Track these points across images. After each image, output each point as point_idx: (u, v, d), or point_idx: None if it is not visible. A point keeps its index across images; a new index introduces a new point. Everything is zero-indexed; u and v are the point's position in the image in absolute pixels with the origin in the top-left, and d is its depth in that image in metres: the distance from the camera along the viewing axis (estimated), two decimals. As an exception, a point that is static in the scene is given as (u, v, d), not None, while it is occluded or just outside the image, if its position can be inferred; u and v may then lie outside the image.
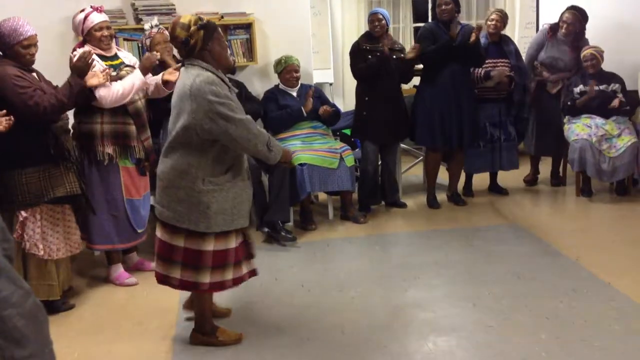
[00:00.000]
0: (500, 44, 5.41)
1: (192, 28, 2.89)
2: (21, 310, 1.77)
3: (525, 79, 5.50)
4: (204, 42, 2.91)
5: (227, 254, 3.02)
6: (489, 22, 5.39)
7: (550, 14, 5.67)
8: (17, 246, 3.36)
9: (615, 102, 5.35)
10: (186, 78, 2.89)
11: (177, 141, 2.91)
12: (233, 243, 3.03)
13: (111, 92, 3.69)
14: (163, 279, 3.09)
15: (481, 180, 5.77)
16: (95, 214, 3.84)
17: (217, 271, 3.00)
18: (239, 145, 2.90)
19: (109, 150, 3.81)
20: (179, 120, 2.88)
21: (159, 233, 3.04)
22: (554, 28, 5.67)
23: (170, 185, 2.94)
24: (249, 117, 2.93)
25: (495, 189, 5.73)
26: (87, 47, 3.81)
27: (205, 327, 3.19)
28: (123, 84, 3.75)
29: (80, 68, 3.53)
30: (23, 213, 3.44)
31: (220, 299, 3.52)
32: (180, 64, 4.10)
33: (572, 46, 5.60)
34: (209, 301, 3.20)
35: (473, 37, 4.96)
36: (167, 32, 4.35)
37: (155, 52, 4.13)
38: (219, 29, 3.04)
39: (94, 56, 3.77)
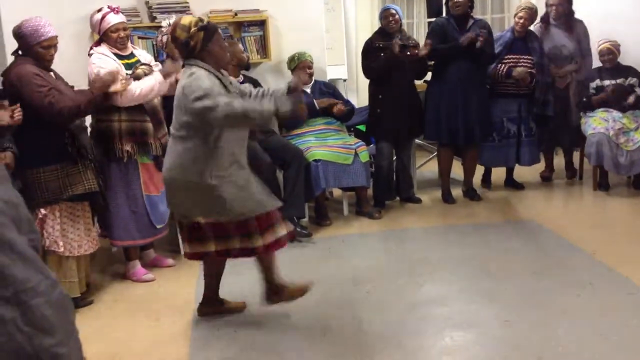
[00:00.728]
0: (525, 40, 5.35)
1: (192, 29, 2.97)
2: (49, 299, 1.80)
3: (548, 76, 5.44)
4: (203, 43, 2.99)
5: (271, 215, 3.16)
6: (517, 19, 5.31)
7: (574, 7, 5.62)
8: None
9: (631, 99, 5.30)
10: (183, 78, 3.02)
11: (179, 139, 3.02)
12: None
13: (128, 92, 3.72)
14: (223, 253, 3.22)
15: (497, 174, 5.74)
16: (109, 211, 3.89)
17: (268, 232, 3.14)
18: (223, 122, 2.92)
19: (128, 147, 3.85)
20: (178, 118, 3.00)
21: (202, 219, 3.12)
22: (544, 19, 5.64)
23: (178, 185, 3.06)
24: (226, 99, 2.91)
25: (511, 183, 5.70)
26: (103, 47, 3.84)
27: (214, 300, 3.43)
28: (142, 85, 3.78)
29: (106, 83, 3.58)
30: (42, 210, 3.49)
31: (235, 293, 3.55)
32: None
33: (568, 29, 5.55)
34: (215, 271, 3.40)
35: (479, 44, 4.92)
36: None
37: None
38: (219, 31, 3.12)
39: (109, 53, 3.81)
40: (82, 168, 3.56)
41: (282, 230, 3.21)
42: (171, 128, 3.11)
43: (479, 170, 5.64)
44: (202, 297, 3.48)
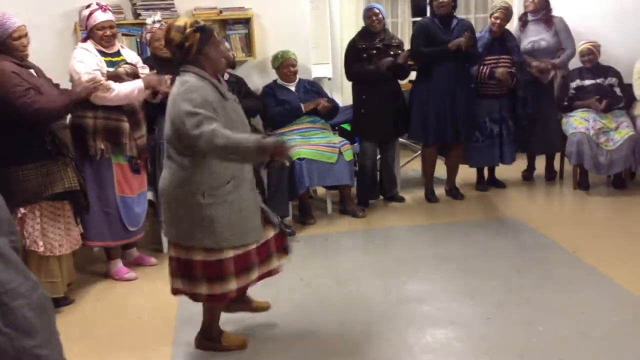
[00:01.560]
0: (503, 40, 5.39)
1: (188, 30, 2.72)
2: (30, 302, 1.80)
3: (527, 74, 5.48)
4: (199, 46, 2.75)
5: (249, 256, 2.90)
6: (492, 20, 5.35)
7: (552, 5, 5.67)
8: None
9: (602, 105, 5.36)
10: (175, 86, 2.78)
11: (171, 153, 2.79)
12: (253, 245, 2.91)
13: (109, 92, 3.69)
14: (188, 295, 2.96)
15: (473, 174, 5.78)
16: (89, 210, 3.81)
17: (242, 275, 2.89)
18: (207, 154, 2.68)
19: (101, 145, 3.80)
20: (168, 130, 2.78)
21: (172, 252, 2.92)
22: (522, 18, 5.70)
23: (170, 201, 2.83)
24: (215, 128, 2.61)
25: (492, 182, 5.75)
26: (89, 43, 3.82)
27: (212, 332, 3.10)
28: (122, 87, 3.75)
29: (88, 90, 3.55)
30: (22, 210, 3.42)
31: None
32: (169, 77, 4.03)
33: (547, 23, 5.59)
34: (221, 307, 3.12)
35: (464, 48, 4.95)
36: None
37: (168, 77, 3.94)
38: (216, 34, 2.89)
39: (93, 50, 3.78)
40: (62, 166, 3.49)
41: (275, 261, 3.07)
42: (164, 137, 2.89)
43: (471, 173, 5.68)
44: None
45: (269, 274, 3.08)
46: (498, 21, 5.31)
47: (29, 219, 3.44)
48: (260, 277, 3.03)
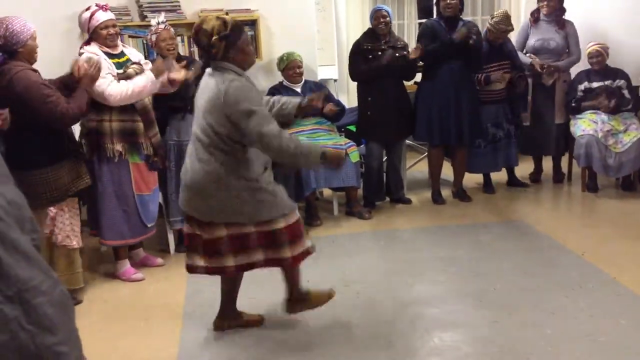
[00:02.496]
0: (501, 46, 5.37)
1: (214, 39, 2.83)
2: (50, 299, 1.83)
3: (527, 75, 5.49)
4: (225, 53, 2.86)
5: (299, 224, 3.10)
6: (500, 27, 5.25)
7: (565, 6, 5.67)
8: (46, 241, 3.51)
9: (612, 104, 5.32)
10: (220, 82, 2.84)
11: (208, 146, 2.87)
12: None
13: (120, 90, 3.72)
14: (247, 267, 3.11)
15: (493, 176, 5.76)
16: (99, 210, 3.92)
17: (297, 243, 3.08)
18: (271, 153, 2.90)
19: (119, 147, 3.85)
20: (209, 124, 2.85)
21: (216, 233, 2.99)
22: (534, 14, 5.68)
23: (205, 193, 2.92)
24: (278, 128, 2.85)
25: (515, 183, 5.75)
26: (93, 45, 3.82)
27: (301, 293, 3.27)
28: (134, 84, 3.77)
29: (94, 78, 3.54)
30: (52, 209, 3.56)
31: (254, 306, 3.53)
32: (185, 62, 4.11)
33: (558, 25, 5.59)
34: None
35: (472, 41, 4.96)
36: (172, 29, 4.38)
37: (171, 61, 4.06)
38: (245, 34, 2.97)
39: (99, 52, 3.79)
40: (81, 164, 3.64)
41: (308, 240, 3.16)
42: (196, 130, 2.94)
43: (478, 176, 5.67)
44: (218, 309, 3.33)
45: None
46: (499, 40, 5.31)
47: (60, 216, 3.59)
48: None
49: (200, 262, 3.05)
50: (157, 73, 3.87)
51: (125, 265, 4.09)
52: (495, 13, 5.40)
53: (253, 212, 2.96)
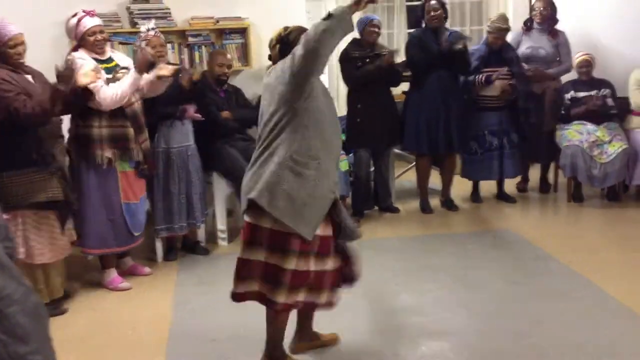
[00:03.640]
0: (500, 52, 5.41)
1: (272, 44, 2.92)
2: (24, 307, 1.80)
3: (528, 85, 5.50)
4: (279, 57, 2.83)
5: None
6: (490, 37, 5.33)
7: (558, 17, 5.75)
8: None
9: (598, 102, 5.39)
10: (274, 72, 2.80)
11: (274, 141, 2.71)
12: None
13: (111, 94, 3.71)
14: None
15: (484, 186, 5.79)
16: (84, 218, 3.85)
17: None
18: (323, 44, 2.60)
19: (108, 154, 3.82)
20: (272, 109, 2.74)
21: (261, 256, 2.74)
22: (527, 23, 5.75)
23: (275, 190, 2.67)
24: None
25: (503, 197, 5.69)
26: (81, 52, 3.82)
27: (277, 351, 2.97)
28: (121, 85, 3.75)
29: (67, 76, 3.50)
30: (4, 216, 3.42)
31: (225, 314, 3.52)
32: (177, 66, 4.10)
33: (550, 34, 5.65)
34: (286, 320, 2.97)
35: (459, 46, 5.01)
36: (162, 36, 4.38)
37: (147, 48, 4.10)
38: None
39: (88, 58, 3.78)
40: (47, 176, 3.50)
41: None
42: (262, 136, 2.77)
43: (467, 185, 5.69)
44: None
45: None
46: (498, 41, 5.34)
47: (11, 225, 3.42)
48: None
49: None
50: (139, 67, 3.81)
51: (112, 274, 4.06)
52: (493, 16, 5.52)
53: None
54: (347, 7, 2.65)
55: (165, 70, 3.90)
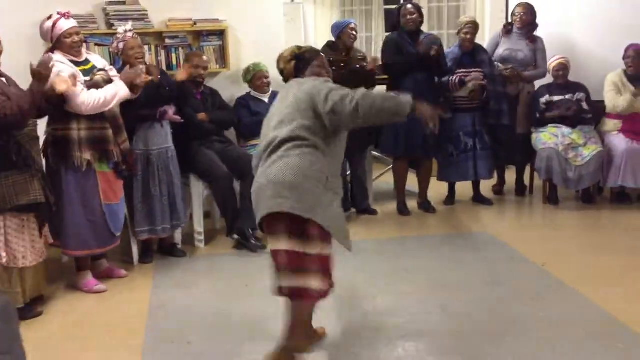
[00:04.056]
0: (473, 54, 5.48)
1: (287, 59, 3.09)
2: None
3: (501, 86, 5.56)
4: (296, 72, 3.04)
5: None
6: (462, 35, 5.45)
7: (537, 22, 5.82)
8: None
9: (573, 108, 5.47)
10: (303, 84, 2.92)
11: (297, 143, 2.76)
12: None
13: (92, 99, 3.70)
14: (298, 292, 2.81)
15: (460, 189, 5.83)
16: (64, 220, 3.83)
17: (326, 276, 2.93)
18: (375, 115, 2.77)
19: (87, 156, 3.80)
20: (299, 121, 2.79)
21: (284, 245, 2.75)
22: (506, 26, 5.83)
23: (299, 187, 2.70)
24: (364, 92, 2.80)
25: (479, 199, 5.74)
26: (57, 54, 3.78)
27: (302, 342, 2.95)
28: (106, 93, 3.75)
29: (39, 73, 3.46)
30: None
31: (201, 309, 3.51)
32: (150, 78, 4.10)
33: (529, 38, 5.74)
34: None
35: (433, 52, 5.06)
36: (139, 38, 4.36)
37: (139, 68, 4.10)
38: (321, 58, 3.09)
39: (65, 60, 3.75)
40: (28, 178, 3.47)
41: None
42: (284, 134, 2.80)
43: (445, 187, 5.72)
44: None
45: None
46: (468, 36, 5.42)
47: None
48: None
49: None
50: (127, 81, 3.85)
51: (87, 277, 4.02)
52: None
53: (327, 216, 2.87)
54: (413, 104, 2.86)
55: (141, 80, 3.95)
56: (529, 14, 5.71)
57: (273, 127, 2.90)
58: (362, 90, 2.77)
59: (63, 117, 3.74)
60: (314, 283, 2.78)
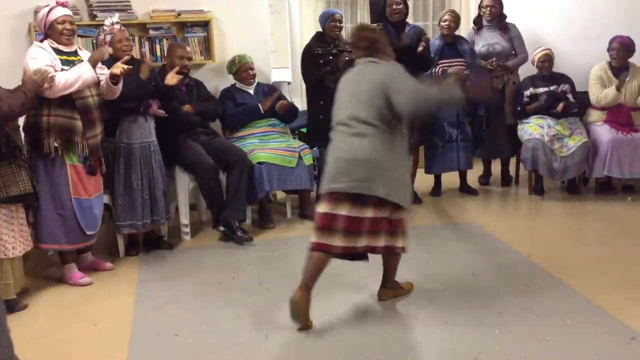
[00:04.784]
0: (455, 44, 5.50)
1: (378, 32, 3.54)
2: None
3: (490, 77, 5.56)
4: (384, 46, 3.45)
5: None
6: (442, 24, 5.49)
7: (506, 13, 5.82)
8: None
9: (560, 106, 5.49)
10: (376, 69, 3.31)
11: (371, 126, 3.20)
12: None
13: (58, 81, 3.64)
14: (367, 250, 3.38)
15: (446, 180, 5.85)
16: (38, 212, 3.79)
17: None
18: (430, 109, 3.43)
19: (55, 143, 3.75)
20: (370, 108, 3.21)
21: (380, 214, 3.23)
22: (476, 21, 5.85)
23: (372, 164, 3.18)
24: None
25: (466, 189, 5.78)
26: (45, 42, 3.75)
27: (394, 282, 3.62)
28: (67, 75, 3.69)
29: (37, 84, 3.46)
30: None
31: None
32: (128, 57, 4.04)
33: (502, 29, 5.76)
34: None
35: (420, 48, 5.04)
36: (126, 30, 4.31)
37: (107, 47, 4.08)
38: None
39: (50, 50, 3.72)
40: (16, 169, 3.47)
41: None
42: (351, 115, 3.29)
43: (431, 178, 5.73)
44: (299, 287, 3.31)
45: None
46: (447, 23, 5.45)
47: None
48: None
49: (339, 242, 3.26)
50: (93, 62, 3.81)
51: (72, 270, 3.99)
52: None
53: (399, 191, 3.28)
54: (462, 93, 3.24)
55: (117, 69, 3.85)
56: (497, 5, 5.73)
57: (349, 101, 3.34)
58: (419, 87, 3.19)
59: (36, 103, 3.68)
60: (401, 242, 3.39)
